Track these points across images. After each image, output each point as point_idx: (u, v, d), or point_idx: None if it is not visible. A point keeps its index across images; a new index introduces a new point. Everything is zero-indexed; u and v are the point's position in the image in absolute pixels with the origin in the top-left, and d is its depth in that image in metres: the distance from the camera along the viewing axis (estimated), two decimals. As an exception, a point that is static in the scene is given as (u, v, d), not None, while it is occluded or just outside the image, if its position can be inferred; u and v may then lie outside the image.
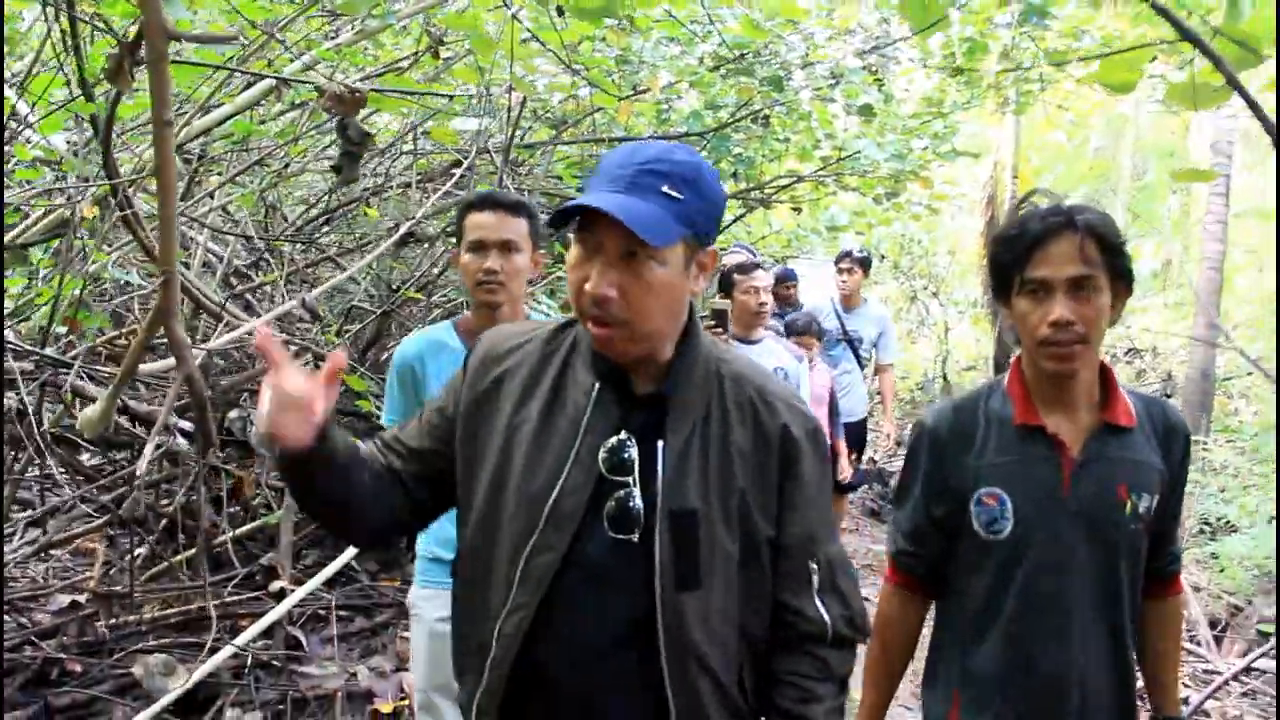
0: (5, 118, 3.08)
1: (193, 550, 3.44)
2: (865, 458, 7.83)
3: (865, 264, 6.46)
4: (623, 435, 1.48)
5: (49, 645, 3.15)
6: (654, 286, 1.42)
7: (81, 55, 3.13)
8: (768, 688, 1.55)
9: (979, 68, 6.07)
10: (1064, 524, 1.81)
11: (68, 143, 4.25)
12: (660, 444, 1.47)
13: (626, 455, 1.48)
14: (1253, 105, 1.74)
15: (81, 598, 3.27)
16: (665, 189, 1.41)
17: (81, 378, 2.98)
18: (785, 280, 7.78)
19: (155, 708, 2.70)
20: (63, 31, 3.17)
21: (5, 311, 3.35)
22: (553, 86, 5.05)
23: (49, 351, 3.33)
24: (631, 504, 1.46)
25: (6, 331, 3.52)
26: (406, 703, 3.32)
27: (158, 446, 2.76)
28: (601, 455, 1.48)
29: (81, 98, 3.14)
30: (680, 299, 1.49)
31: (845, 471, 5.59)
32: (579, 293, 1.44)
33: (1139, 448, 1.85)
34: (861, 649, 1.70)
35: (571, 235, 1.47)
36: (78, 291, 3.72)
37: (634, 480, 1.47)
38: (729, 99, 6.07)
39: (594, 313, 1.42)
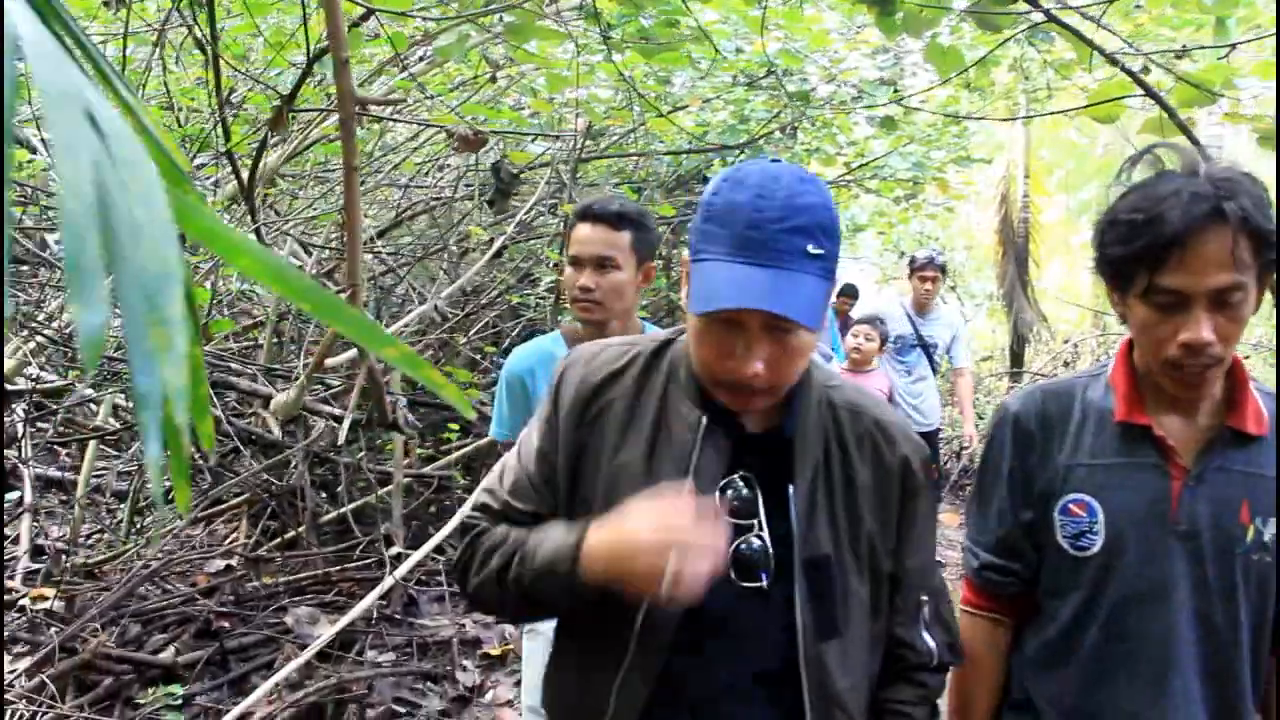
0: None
1: (326, 517, 4.03)
2: (959, 466, 7.60)
3: (944, 269, 6.34)
4: (745, 476, 1.40)
5: (210, 602, 3.73)
6: (800, 352, 1.32)
7: (222, 99, 3.71)
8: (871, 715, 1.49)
9: (990, 83, 6.56)
10: (1167, 548, 1.50)
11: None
12: (790, 487, 1.38)
13: (753, 500, 1.39)
14: (1196, 143, 2.27)
15: (234, 561, 3.86)
16: (810, 249, 1.26)
17: (238, 375, 3.55)
18: (845, 295, 8.37)
19: (315, 646, 3.27)
20: (212, 79, 3.75)
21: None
22: (614, 110, 5.58)
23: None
24: (763, 552, 1.37)
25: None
26: (511, 647, 3.89)
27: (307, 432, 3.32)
28: (720, 499, 1.38)
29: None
30: (818, 338, 1.39)
31: None
32: (714, 366, 1.33)
33: (1268, 460, 1.51)
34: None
35: (692, 309, 1.33)
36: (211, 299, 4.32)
37: (761, 524, 1.38)
38: (759, 112, 6.63)
39: (738, 387, 1.33)
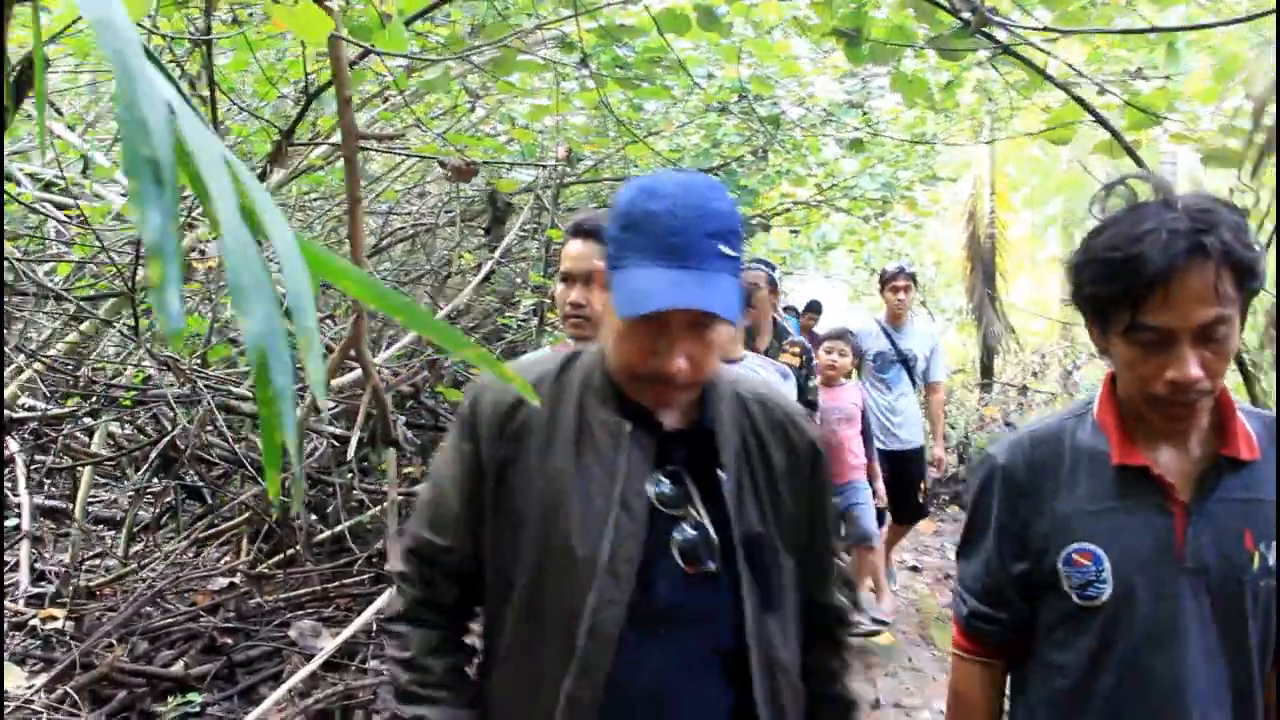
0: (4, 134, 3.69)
1: (320, 536, 4.17)
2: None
3: (915, 279, 6.22)
4: (677, 470, 1.46)
5: (214, 619, 3.86)
6: (717, 346, 1.42)
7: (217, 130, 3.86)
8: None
9: (955, 104, 6.79)
10: (1177, 587, 1.48)
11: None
12: (721, 474, 1.46)
13: (685, 490, 1.45)
14: (1140, 164, 2.47)
15: (237, 579, 3.99)
16: (724, 250, 1.36)
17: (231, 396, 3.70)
18: (810, 311, 8.46)
19: (322, 655, 3.40)
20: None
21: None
22: (591, 136, 5.77)
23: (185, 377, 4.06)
24: (705, 536, 1.43)
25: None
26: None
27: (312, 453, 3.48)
28: (653, 491, 1.44)
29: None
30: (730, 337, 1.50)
31: (881, 493, 5.44)
32: (638, 364, 1.40)
33: (1264, 484, 1.50)
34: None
35: (616, 308, 1.40)
36: (209, 327, 4.47)
37: (699, 511, 1.44)
38: (731, 136, 6.85)
39: (660, 382, 1.41)
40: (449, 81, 4.36)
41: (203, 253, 4.35)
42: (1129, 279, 1.38)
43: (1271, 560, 1.47)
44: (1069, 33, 2.43)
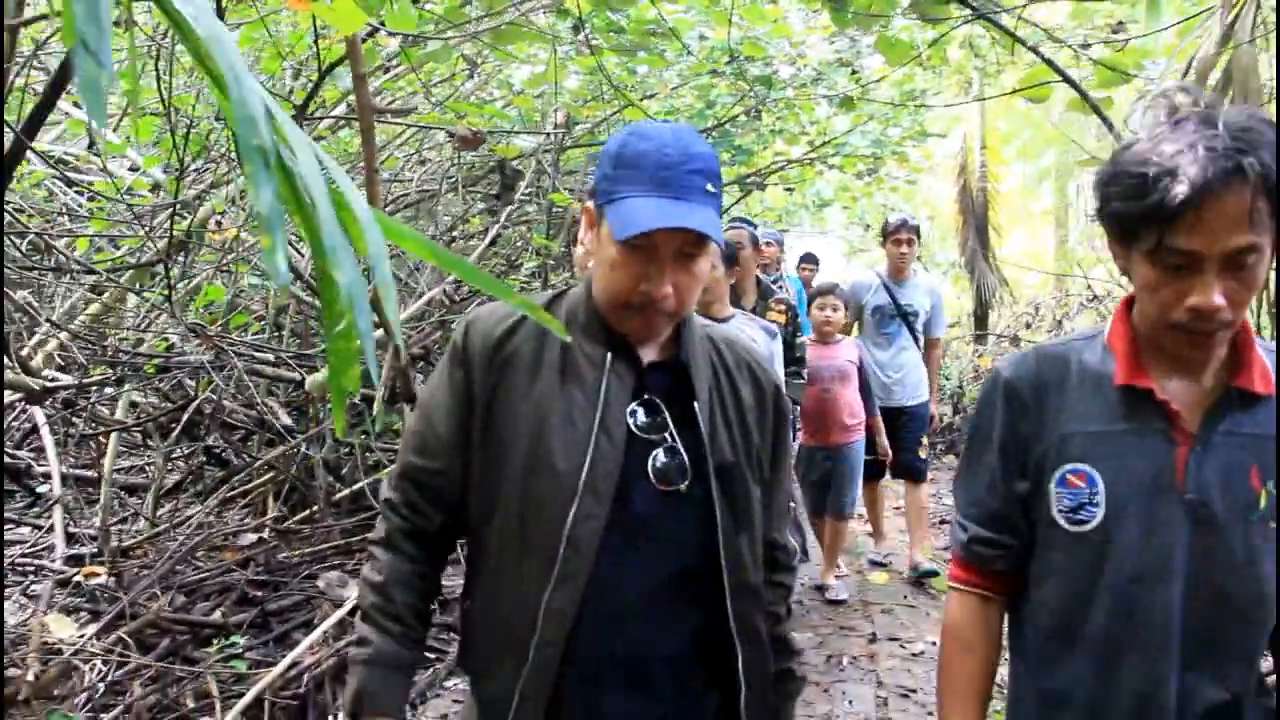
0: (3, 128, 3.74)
1: (339, 495, 4.38)
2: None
3: (918, 232, 5.97)
4: (655, 399, 1.56)
5: (246, 572, 4.08)
6: (701, 278, 1.55)
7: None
8: None
9: (943, 60, 6.91)
10: (1173, 519, 1.40)
11: (165, 171, 5.16)
12: (695, 404, 1.56)
13: (662, 417, 1.55)
14: (1105, 120, 2.64)
15: (265, 534, 4.21)
16: (708, 187, 1.49)
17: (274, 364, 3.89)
18: (806, 262, 8.44)
19: (349, 604, 3.61)
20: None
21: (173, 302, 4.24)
22: (588, 100, 5.91)
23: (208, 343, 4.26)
24: (678, 459, 1.53)
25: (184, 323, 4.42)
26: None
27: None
28: (635, 418, 1.54)
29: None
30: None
31: (886, 450, 5.45)
32: (629, 291, 1.50)
33: (1275, 421, 1.42)
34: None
35: (603, 224, 1.51)
36: (229, 296, 4.66)
37: (672, 436, 1.55)
38: (724, 96, 7.00)
39: (648, 309, 1.50)
40: (450, 52, 4.52)
41: (219, 224, 4.53)
42: (1159, 197, 1.28)
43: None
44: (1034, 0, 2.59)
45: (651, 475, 1.52)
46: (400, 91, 5.68)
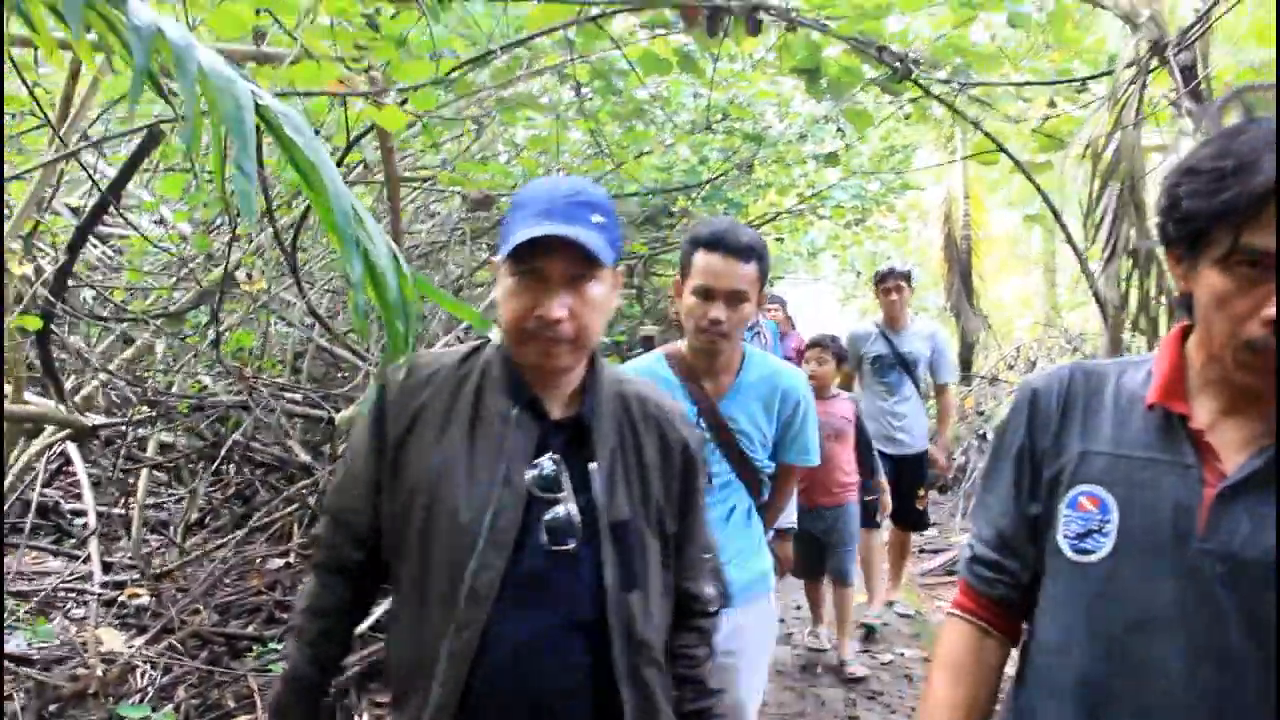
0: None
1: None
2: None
3: (909, 278, 5.89)
4: (553, 457, 1.59)
5: (274, 594, 4.44)
6: (597, 303, 1.57)
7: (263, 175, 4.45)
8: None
9: (924, 116, 7.34)
10: (1186, 567, 1.25)
11: (192, 225, 5.59)
12: (592, 465, 1.60)
13: (557, 475, 1.58)
14: (1036, 185, 3.04)
15: (291, 559, 4.58)
16: (594, 218, 1.54)
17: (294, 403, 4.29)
18: (773, 304, 8.59)
19: (370, 620, 3.97)
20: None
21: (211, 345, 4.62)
22: (589, 159, 6.34)
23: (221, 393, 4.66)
24: (569, 519, 1.56)
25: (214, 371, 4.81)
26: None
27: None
28: (531, 475, 1.57)
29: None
30: (610, 313, 1.66)
31: (887, 505, 5.26)
32: (524, 318, 1.54)
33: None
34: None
35: (505, 267, 1.55)
36: (259, 342, 5.07)
37: (569, 496, 1.57)
38: (716, 151, 7.43)
39: (545, 335, 1.53)
40: (464, 122, 4.97)
41: (250, 276, 4.95)
42: (1237, 190, 1.17)
43: None
44: (972, 85, 3.02)
45: (544, 533, 1.56)
46: (410, 147, 6.12)
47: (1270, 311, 1.16)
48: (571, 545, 1.56)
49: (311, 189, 1.40)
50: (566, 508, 1.57)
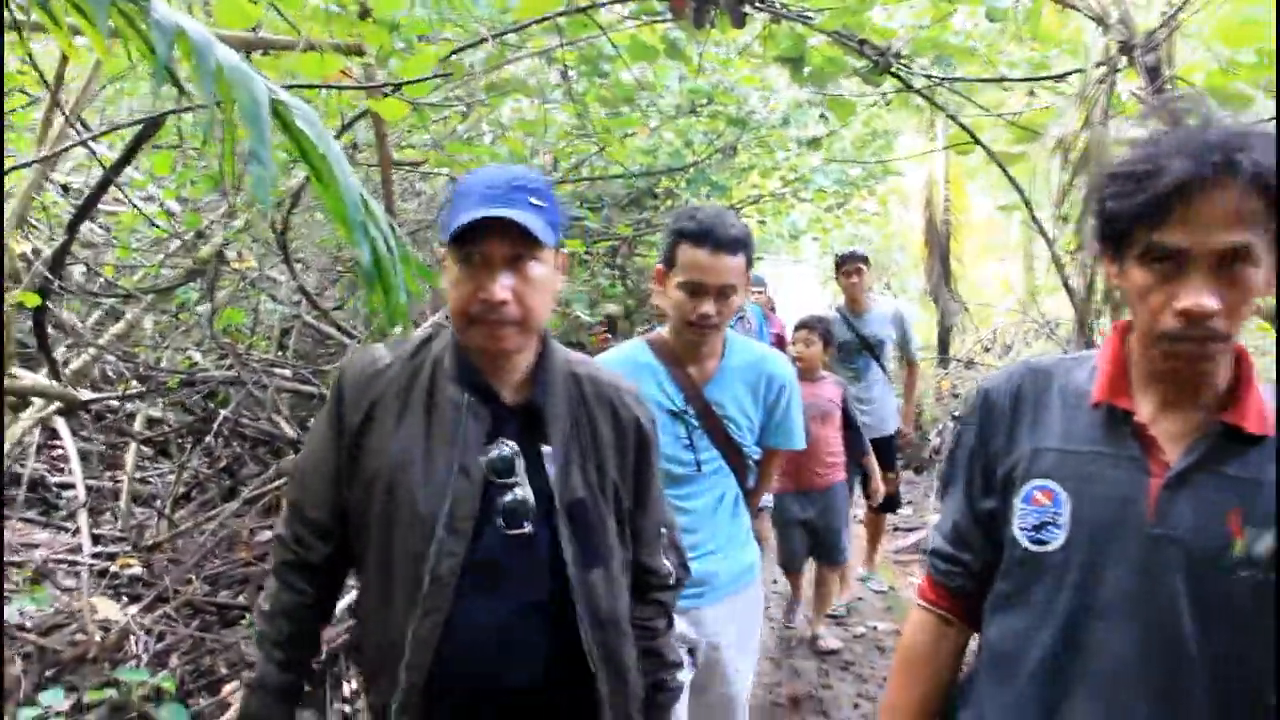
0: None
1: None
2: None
3: (868, 261, 5.95)
4: (508, 443, 1.62)
5: (264, 564, 4.53)
6: (540, 284, 1.59)
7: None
8: None
9: (906, 102, 7.45)
10: (1137, 554, 1.33)
11: (180, 203, 5.65)
12: (546, 449, 1.63)
13: (511, 460, 1.61)
14: (1009, 177, 3.15)
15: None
16: (533, 200, 1.57)
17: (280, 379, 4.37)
18: (755, 285, 8.69)
19: (355, 592, 4.07)
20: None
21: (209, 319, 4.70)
22: (575, 142, 6.42)
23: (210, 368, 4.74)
24: (524, 502, 1.60)
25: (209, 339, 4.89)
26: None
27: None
28: (485, 462, 1.60)
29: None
30: (554, 294, 1.68)
31: (878, 488, 5.15)
32: (469, 301, 1.57)
33: (1267, 466, 1.31)
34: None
35: (450, 255, 1.59)
36: (249, 319, 5.14)
37: (523, 480, 1.61)
38: (700, 135, 7.51)
39: (490, 317, 1.56)
40: (452, 105, 5.04)
41: (240, 254, 5.02)
42: (1150, 192, 1.25)
43: (1261, 549, 1.28)
44: (948, 80, 3.12)
45: (500, 517, 1.59)
46: (396, 128, 6.19)
47: (1182, 303, 1.25)
48: (528, 528, 1.60)
49: (320, 180, 1.49)
50: (521, 491, 1.60)
